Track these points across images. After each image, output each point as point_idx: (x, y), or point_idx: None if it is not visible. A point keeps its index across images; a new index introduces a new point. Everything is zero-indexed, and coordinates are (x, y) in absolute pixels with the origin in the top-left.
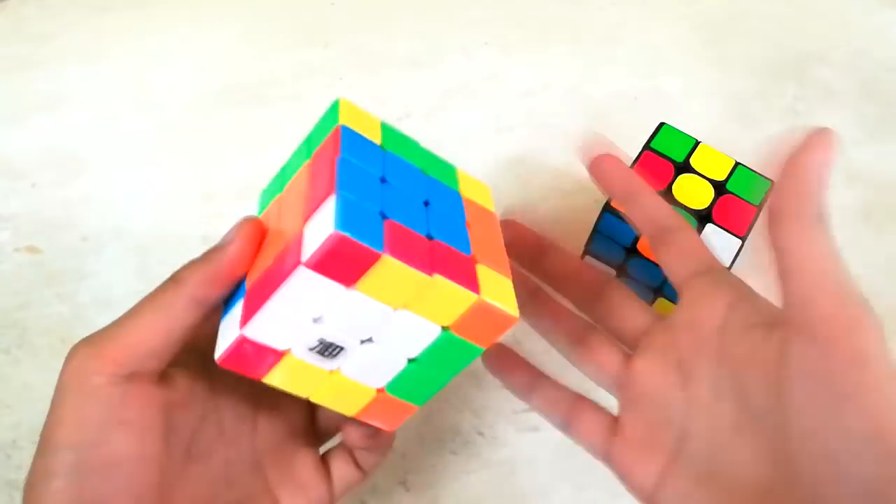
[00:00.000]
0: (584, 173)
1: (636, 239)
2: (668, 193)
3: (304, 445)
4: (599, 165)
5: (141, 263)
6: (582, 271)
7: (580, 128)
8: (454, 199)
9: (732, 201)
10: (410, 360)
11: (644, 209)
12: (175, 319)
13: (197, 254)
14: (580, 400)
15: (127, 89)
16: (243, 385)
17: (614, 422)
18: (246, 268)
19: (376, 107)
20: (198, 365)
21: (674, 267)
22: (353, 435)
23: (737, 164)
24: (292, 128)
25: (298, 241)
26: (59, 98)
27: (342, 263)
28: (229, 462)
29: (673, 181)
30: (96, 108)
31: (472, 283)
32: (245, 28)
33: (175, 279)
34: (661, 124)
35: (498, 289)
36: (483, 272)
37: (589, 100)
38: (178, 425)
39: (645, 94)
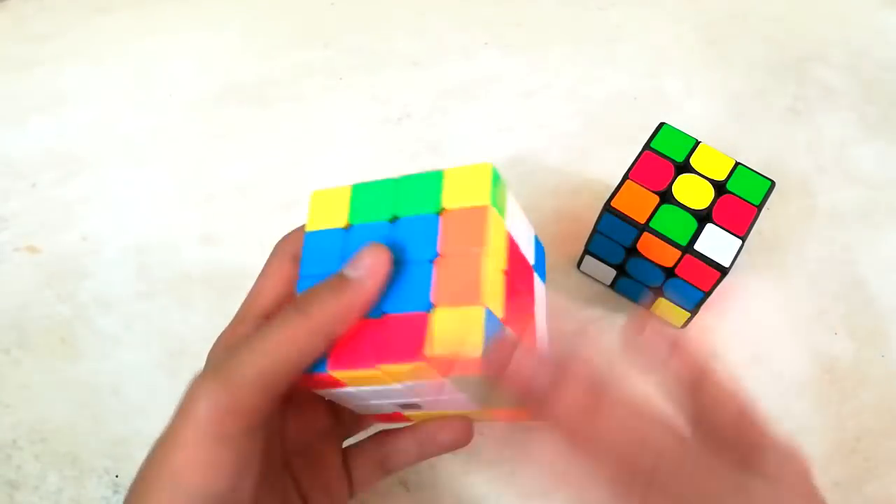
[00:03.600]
0: (584, 173)
1: (636, 239)
2: (668, 193)
3: (329, 445)
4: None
5: (141, 263)
6: None
7: (580, 128)
8: (427, 232)
9: (732, 201)
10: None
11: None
12: (306, 358)
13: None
14: None
15: (127, 89)
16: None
17: None
18: (375, 304)
19: (376, 107)
20: None
21: None
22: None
23: (737, 164)
24: (292, 128)
25: None
26: (59, 98)
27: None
28: (268, 470)
29: (673, 181)
30: (96, 108)
31: (415, 351)
32: (245, 28)
33: (305, 313)
34: (661, 124)
35: (456, 329)
36: (441, 318)
37: (589, 100)
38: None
39: (645, 94)
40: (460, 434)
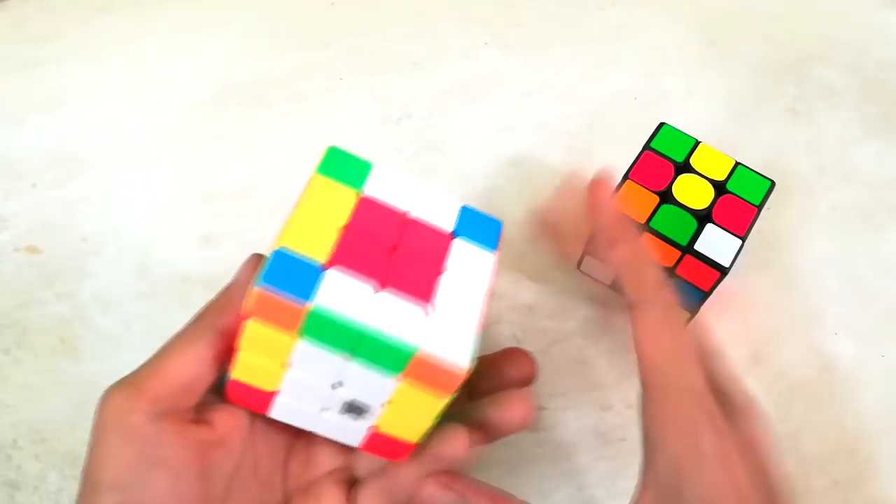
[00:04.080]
0: (584, 173)
1: None
2: (668, 193)
3: (335, 485)
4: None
5: (141, 263)
6: None
7: (580, 128)
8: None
9: (732, 201)
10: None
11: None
12: (201, 350)
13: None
14: None
15: (127, 89)
16: (279, 427)
17: None
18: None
19: (376, 107)
20: (239, 407)
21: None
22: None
23: (737, 164)
24: (292, 128)
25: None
26: (59, 98)
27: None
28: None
29: (673, 181)
30: (96, 108)
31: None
32: (245, 28)
33: (195, 316)
34: (661, 124)
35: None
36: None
37: (589, 100)
38: (216, 465)
39: (645, 94)
40: (453, 445)
